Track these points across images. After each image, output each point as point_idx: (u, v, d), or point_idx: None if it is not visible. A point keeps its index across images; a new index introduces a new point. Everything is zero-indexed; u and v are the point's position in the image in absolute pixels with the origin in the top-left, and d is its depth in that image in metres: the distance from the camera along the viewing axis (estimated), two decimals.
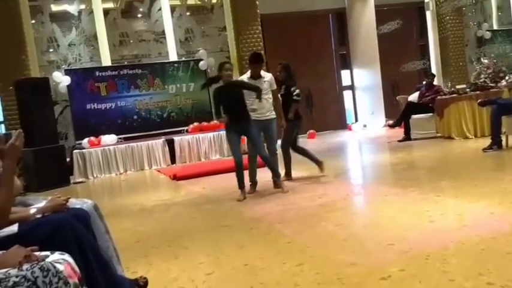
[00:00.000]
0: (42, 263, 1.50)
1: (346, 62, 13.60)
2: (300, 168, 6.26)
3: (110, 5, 10.76)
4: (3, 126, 9.31)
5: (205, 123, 10.21)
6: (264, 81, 5.25)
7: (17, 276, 1.43)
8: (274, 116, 5.35)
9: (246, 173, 5.16)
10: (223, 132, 9.69)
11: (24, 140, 1.96)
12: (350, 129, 12.81)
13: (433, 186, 4.50)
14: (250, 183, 5.30)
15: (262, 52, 9.47)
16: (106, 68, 10.06)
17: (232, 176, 6.85)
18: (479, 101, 7.05)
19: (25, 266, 1.47)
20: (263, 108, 5.21)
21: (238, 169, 4.94)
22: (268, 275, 2.57)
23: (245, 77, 5.32)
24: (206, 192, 5.70)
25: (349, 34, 13.34)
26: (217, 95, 5.00)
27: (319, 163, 5.81)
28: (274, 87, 5.37)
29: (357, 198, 4.68)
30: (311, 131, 11.97)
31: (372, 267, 2.49)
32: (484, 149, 6.09)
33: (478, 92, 8.00)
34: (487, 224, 3.02)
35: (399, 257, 2.59)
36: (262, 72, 5.32)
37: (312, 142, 10.90)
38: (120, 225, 4.33)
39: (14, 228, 1.92)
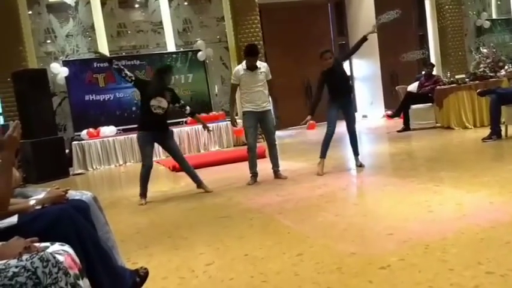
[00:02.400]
0: (42, 253, 1.50)
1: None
2: (299, 158, 6.26)
3: None
4: (1, 117, 9.27)
5: (204, 115, 10.18)
6: (260, 72, 5.23)
7: (16, 267, 1.43)
8: (270, 107, 5.37)
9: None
10: (222, 124, 9.73)
11: (23, 132, 1.96)
12: None
13: (432, 176, 4.50)
14: (250, 174, 5.31)
15: (259, 43, 9.41)
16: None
17: (231, 167, 6.85)
18: (478, 90, 7.04)
19: (25, 257, 1.47)
20: (259, 99, 5.21)
21: (327, 141, 5.76)
22: (268, 265, 2.58)
23: (241, 68, 5.27)
24: (205, 184, 5.69)
25: (348, 24, 13.28)
26: (324, 77, 5.48)
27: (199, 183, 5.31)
28: (270, 77, 5.34)
29: (357, 189, 4.69)
30: (311, 121, 11.91)
31: (372, 256, 2.50)
32: (484, 139, 6.09)
33: (477, 81, 7.98)
34: (486, 214, 3.02)
35: (399, 247, 2.59)
36: (258, 63, 5.28)
37: (311, 133, 10.89)
38: (119, 217, 4.34)
39: (13, 219, 1.92)
